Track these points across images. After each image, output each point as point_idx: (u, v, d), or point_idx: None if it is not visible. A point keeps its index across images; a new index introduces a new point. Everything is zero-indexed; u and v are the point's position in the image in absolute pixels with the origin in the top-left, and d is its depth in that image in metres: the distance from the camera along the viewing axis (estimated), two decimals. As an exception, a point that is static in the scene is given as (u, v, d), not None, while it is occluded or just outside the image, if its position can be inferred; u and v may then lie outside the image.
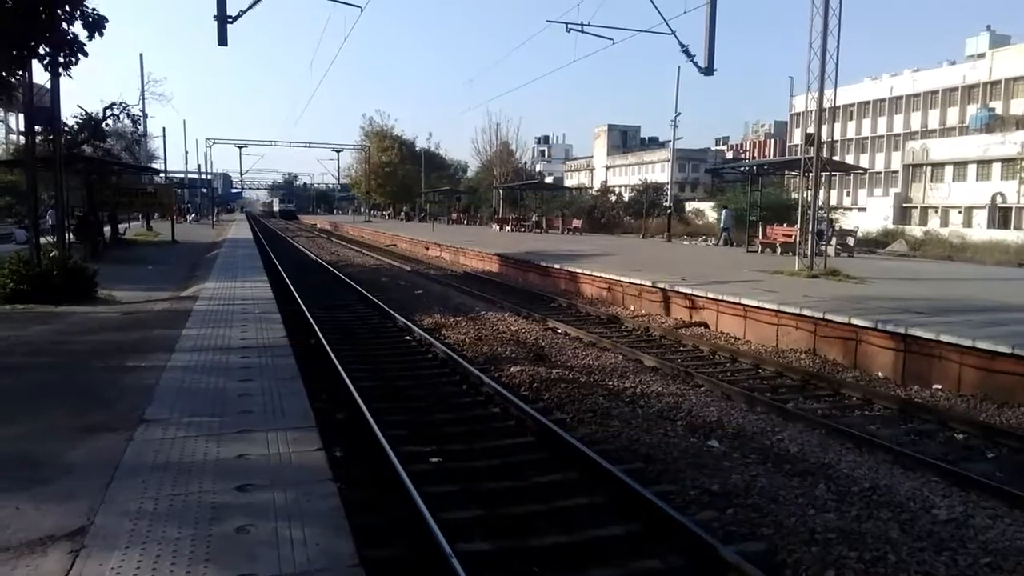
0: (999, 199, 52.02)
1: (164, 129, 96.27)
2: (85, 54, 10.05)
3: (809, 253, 19.09)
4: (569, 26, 23.52)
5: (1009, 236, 42.56)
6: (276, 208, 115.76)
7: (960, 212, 54.91)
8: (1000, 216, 51.84)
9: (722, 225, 36.45)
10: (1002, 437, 7.78)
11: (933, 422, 8.43)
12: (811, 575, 4.72)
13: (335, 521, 3.88)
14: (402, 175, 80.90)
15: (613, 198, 65.34)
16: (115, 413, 5.79)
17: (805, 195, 20.25)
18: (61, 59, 9.91)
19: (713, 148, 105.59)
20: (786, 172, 38.06)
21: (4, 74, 9.50)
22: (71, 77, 10.49)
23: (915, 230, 48.92)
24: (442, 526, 4.88)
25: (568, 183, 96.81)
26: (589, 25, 23.51)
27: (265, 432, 5.30)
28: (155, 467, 4.61)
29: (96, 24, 9.31)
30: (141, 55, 43.60)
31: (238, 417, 5.69)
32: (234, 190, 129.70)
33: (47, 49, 10.10)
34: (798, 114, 68.19)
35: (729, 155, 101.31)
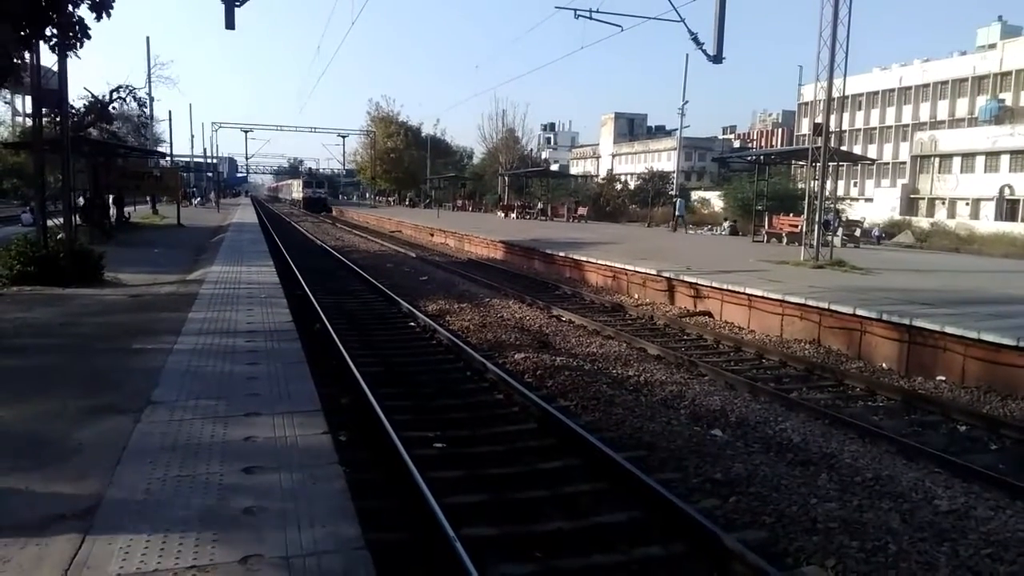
0: (1007, 191, 51.73)
1: (170, 112, 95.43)
2: (88, 36, 10.02)
3: (815, 243, 19.04)
4: (578, 12, 23.38)
5: (1017, 228, 42.39)
6: (298, 195, 79.63)
7: (967, 204, 54.66)
8: (1008, 208, 51.57)
9: (677, 212, 40.39)
10: (1005, 429, 7.80)
11: (936, 413, 8.44)
12: (812, 563, 4.75)
13: (341, 504, 3.91)
14: (408, 161, 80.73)
15: (619, 186, 65.10)
16: (122, 395, 5.82)
17: (812, 185, 20.19)
18: (67, 41, 9.89)
19: (720, 137, 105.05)
20: (793, 162, 37.89)
21: (13, 56, 9.49)
22: (79, 58, 10.46)
23: (922, 221, 48.74)
24: (446, 510, 4.92)
25: (574, 171, 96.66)
26: (598, 12, 23.37)
27: (271, 415, 5.34)
28: (162, 448, 4.65)
29: (103, 4, 9.27)
30: (148, 38, 43.61)
31: (244, 400, 5.72)
32: (239, 174, 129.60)
33: (53, 31, 10.08)
34: (806, 103, 67.76)
35: (736, 144, 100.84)
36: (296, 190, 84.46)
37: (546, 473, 6.15)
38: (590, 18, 23.41)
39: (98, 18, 9.31)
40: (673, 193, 47.29)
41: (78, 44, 9.81)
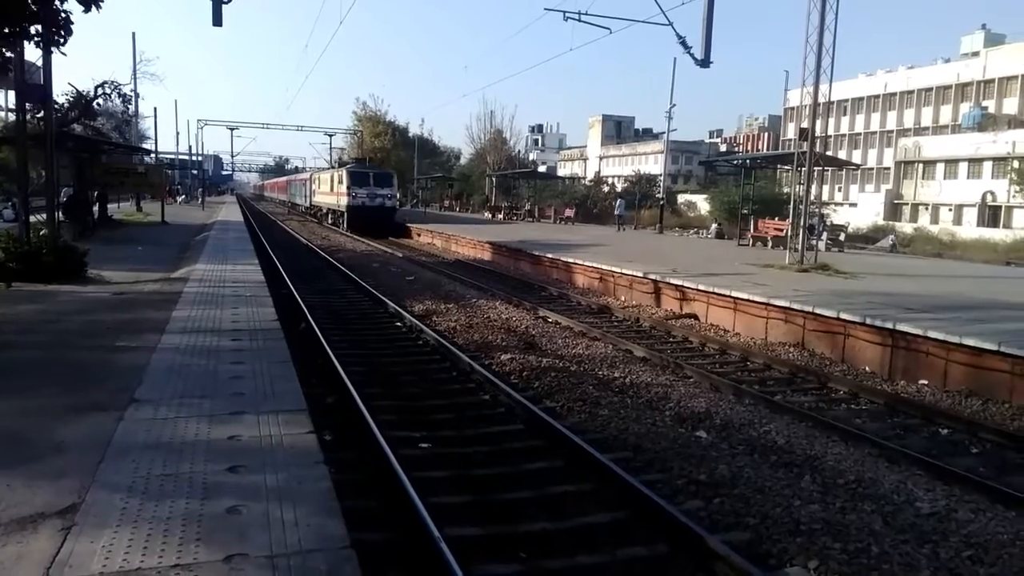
0: (989, 197, 52.33)
1: (155, 109, 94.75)
2: (71, 32, 9.91)
3: (800, 247, 19.18)
4: (567, 14, 23.40)
5: (998, 234, 42.89)
6: (334, 199, 40.99)
7: (950, 210, 55.23)
8: (990, 214, 52.17)
9: (617, 213, 41.88)
10: (986, 433, 7.88)
11: (918, 417, 8.52)
12: (796, 564, 4.78)
13: (326, 503, 3.90)
14: (395, 161, 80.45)
15: (606, 188, 65.31)
16: (105, 393, 5.77)
17: (797, 189, 20.32)
18: (52, 37, 9.79)
19: (707, 140, 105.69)
20: (779, 166, 38.16)
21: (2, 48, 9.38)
22: (64, 55, 10.35)
23: (905, 227, 49.22)
24: (431, 510, 4.92)
25: (561, 172, 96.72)
26: (587, 14, 23.39)
27: (256, 414, 5.31)
28: (146, 447, 4.61)
29: None
30: (134, 34, 43.26)
31: (229, 399, 5.69)
32: (225, 172, 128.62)
33: (38, 28, 9.97)
34: (792, 108, 68.17)
35: (723, 148, 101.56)
36: (326, 190, 43.40)
37: (532, 474, 6.16)
38: (579, 20, 23.44)
39: (87, 9, 9.19)
40: (659, 196, 47.49)
41: (62, 40, 9.70)
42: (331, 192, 41.38)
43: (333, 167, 48.84)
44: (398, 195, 40.11)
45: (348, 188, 36.90)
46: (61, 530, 3.50)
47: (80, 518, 3.63)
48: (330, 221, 42.73)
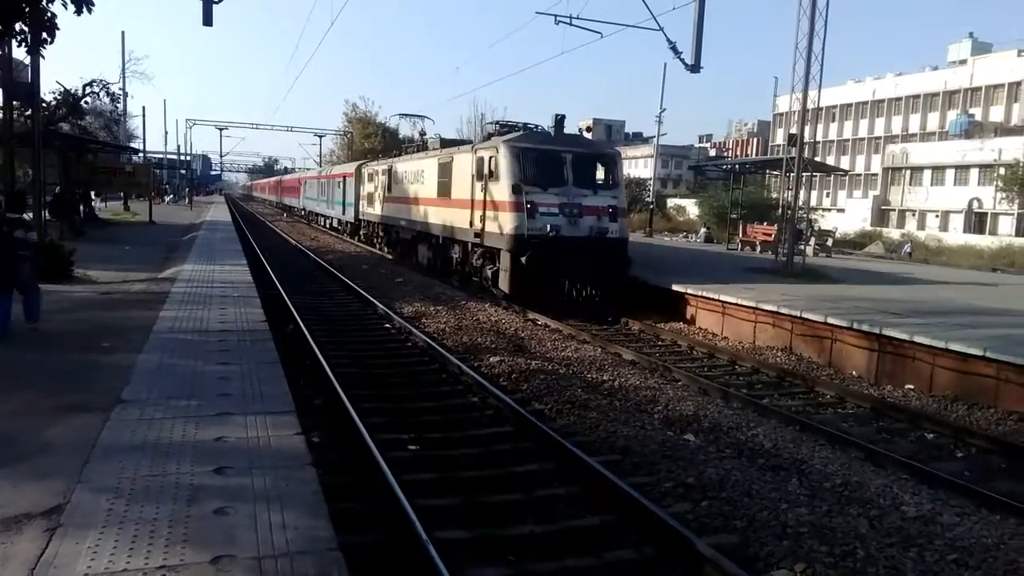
0: (976, 204, 52.74)
1: (144, 108, 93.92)
2: (57, 28, 9.85)
3: (788, 252, 19.28)
4: (558, 18, 23.40)
5: (984, 241, 43.28)
6: (504, 220, 14.42)
7: (937, 216, 55.61)
8: (976, 221, 52.57)
9: None
10: (971, 437, 7.94)
11: (904, 421, 8.58)
12: (783, 568, 4.80)
13: (314, 505, 3.88)
14: (385, 162, 80.00)
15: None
16: (92, 393, 5.74)
17: (786, 195, 20.43)
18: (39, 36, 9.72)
19: (696, 145, 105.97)
20: (768, 171, 38.34)
21: None
22: (43, 57, 10.28)
23: (893, 232, 49.54)
24: (419, 513, 4.90)
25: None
26: (578, 18, 23.40)
27: (244, 416, 5.29)
28: (132, 448, 4.59)
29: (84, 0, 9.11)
30: (123, 32, 43.07)
31: (216, 400, 5.66)
32: (213, 172, 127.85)
33: (24, 27, 9.90)
34: (781, 114, 68.57)
35: (712, 153, 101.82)
36: (426, 194, 19.70)
37: (520, 476, 6.15)
38: (570, 24, 23.47)
39: (79, 12, 9.13)
40: (649, 200, 47.67)
41: (49, 40, 9.62)
42: (439, 197, 18.94)
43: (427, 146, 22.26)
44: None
45: (512, 190, 14.71)
46: (46, 531, 3.47)
47: (65, 519, 3.60)
48: (425, 262, 20.91)
